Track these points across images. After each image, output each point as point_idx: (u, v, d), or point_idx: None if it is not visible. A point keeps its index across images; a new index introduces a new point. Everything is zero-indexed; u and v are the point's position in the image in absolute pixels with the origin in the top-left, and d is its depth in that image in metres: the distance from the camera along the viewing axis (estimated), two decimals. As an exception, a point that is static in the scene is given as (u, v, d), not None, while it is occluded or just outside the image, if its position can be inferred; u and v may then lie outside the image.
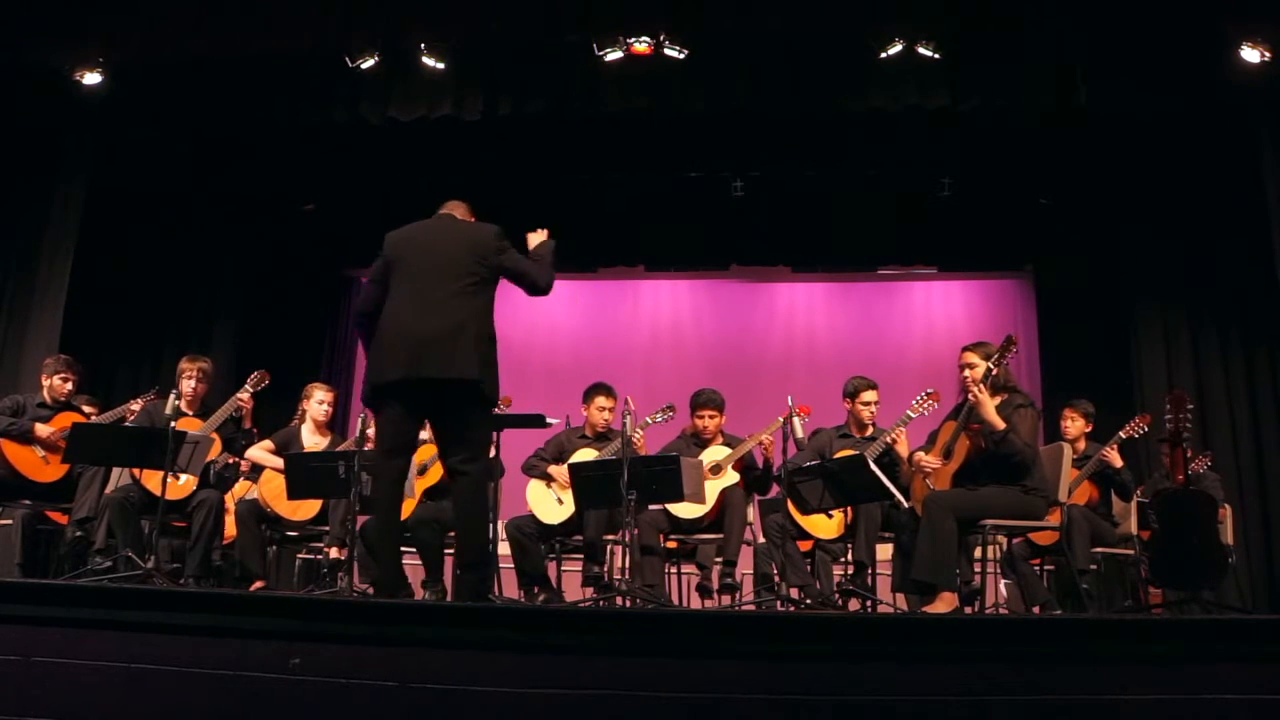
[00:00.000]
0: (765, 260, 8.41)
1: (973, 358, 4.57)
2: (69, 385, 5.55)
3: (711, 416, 5.48)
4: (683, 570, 5.74)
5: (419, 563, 5.18)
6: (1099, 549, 5.34)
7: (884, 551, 5.09)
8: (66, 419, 5.37)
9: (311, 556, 5.80)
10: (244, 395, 5.35)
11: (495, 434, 4.49)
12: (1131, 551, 5.59)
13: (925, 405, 5.22)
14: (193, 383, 5.31)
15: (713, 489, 5.22)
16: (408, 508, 5.15)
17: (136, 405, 5.68)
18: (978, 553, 4.83)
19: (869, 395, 5.40)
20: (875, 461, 4.79)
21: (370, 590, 5.03)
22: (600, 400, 5.55)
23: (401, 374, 3.84)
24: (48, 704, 2.90)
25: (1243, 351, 6.98)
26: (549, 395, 6.69)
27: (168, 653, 2.92)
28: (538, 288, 4.10)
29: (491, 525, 4.34)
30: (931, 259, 8.38)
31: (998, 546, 5.28)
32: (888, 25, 6.22)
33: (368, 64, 6.53)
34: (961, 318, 8.58)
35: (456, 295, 3.89)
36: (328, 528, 5.29)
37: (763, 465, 5.38)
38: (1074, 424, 5.76)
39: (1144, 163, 7.33)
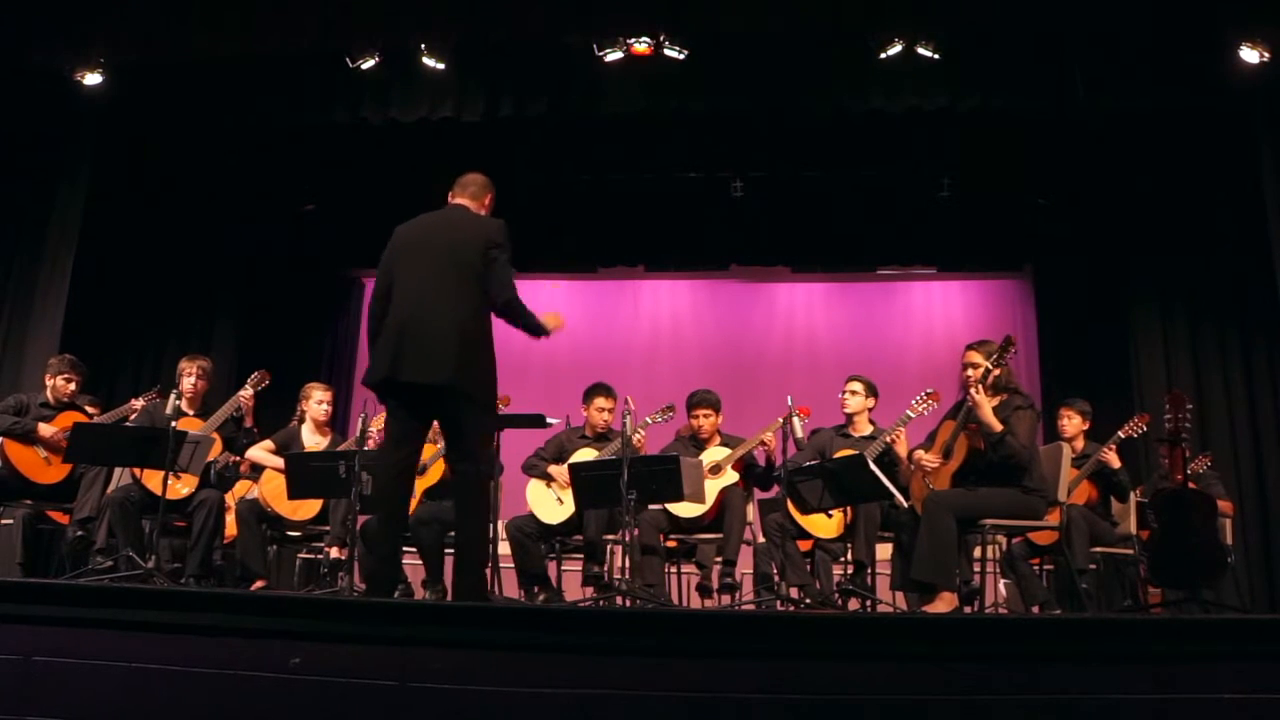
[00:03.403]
0: (765, 260, 8.42)
1: (976, 357, 4.55)
2: (72, 385, 5.55)
3: (706, 416, 5.49)
4: (683, 570, 5.75)
5: (419, 562, 5.19)
6: (1098, 549, 5.35)
7: (884, 551, 5.09)
8: (69, 419, 5.37)
9: (312, 556, 5.80)
10: (245, 394, 5.35)
11: (495, 434, 4.42)
12: (1131, 551, 5.59)
13: (925, 405, 5.23)
14: (193, 380, 5.31)
15: (712, 489, 5.22)
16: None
17: (138, 404, 5.69)
18: (977, 552, 4.83)
19: (851, 385, 5.48)
20: (875, 461, 4.80)
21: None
22: (600, 401, 5.55)
23: (382, 375, 3.83)
24: (48, 704, 2.90)
25: (1242, 352, 6.98)
26: (549, 395, 6.69)
27: (168, 653, 2.92)
28: (495, 300, 3.88)
29: (491, 525, 4.28)
30: (931, 259, 8.38)
31: (997, 546, 5.28)
32: (888, 25, 6.23)
33: (368, 64, 6.54)
34: (961, 318, 8.58)
35: (447, 292, 3.81)
36: (328, 527, 5.30)
37: (765, 463, 5.39)
38: (1070, 423, 5.76)
39: (1143, 163, 7.34)
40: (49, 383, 5.55)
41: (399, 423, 3.91)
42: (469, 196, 4.15)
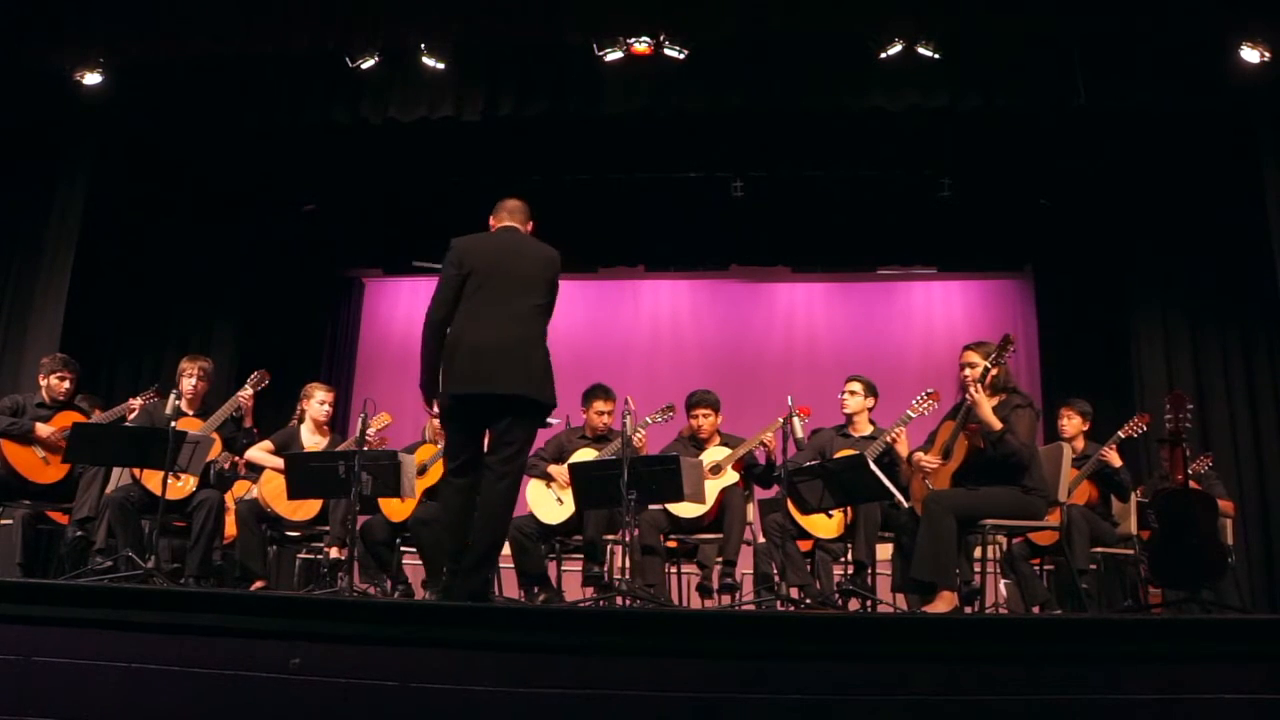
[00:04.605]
0: (765, 260, 8.43)
1: (974, 357, 4.56)
2: (66, 384, 5.53)
3: (705, 415, 5.49)
4: (683, 570, 5.75)
5: (419, 563, 5.18)
6: (1098, 549, 5.35)
7: (884, 551, 5.09)
8: (67, 418, 5.36)
9: (311, 556, 5.80)
10: (245, 394, 5.35)
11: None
12: (1131, 551, 5.59)
13: (925, 405, 5.22)
14: (193, 380, 5.31)
15: (712, 489, 5.22)
16: (407, 508, 5.17)
17: (136, 403, 5.67)
18: (978, 553, 4.83)
19: (850, 385, 5.49)
20: (875, 461, 4.79)
21: (372, 590, 5.05)
22: (599, 404, 5.54)
23: (463, 389, 3.93)
24: (48, 704, 2.90)
25: (1243, 351, 6.99)
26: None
27: (168, 653, 2.92)
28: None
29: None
30: (931, 259, 8.39)
31: (997, 546, 5.28)
32: (888, 25, 6.22)
33: (368, 64, 6.54)
34: (961, 318, 8.58)
35: (528, 312, 4.02)
36: (328, 528, 5.29)
37: (765, 462, 5.38)
38: (1070, 423, 5.75)
39: (1144, 163, 7.33)
40: (43, 383, 5.53)
41: (459, 447, 4.02)
42: (518, 222, 4.30)
